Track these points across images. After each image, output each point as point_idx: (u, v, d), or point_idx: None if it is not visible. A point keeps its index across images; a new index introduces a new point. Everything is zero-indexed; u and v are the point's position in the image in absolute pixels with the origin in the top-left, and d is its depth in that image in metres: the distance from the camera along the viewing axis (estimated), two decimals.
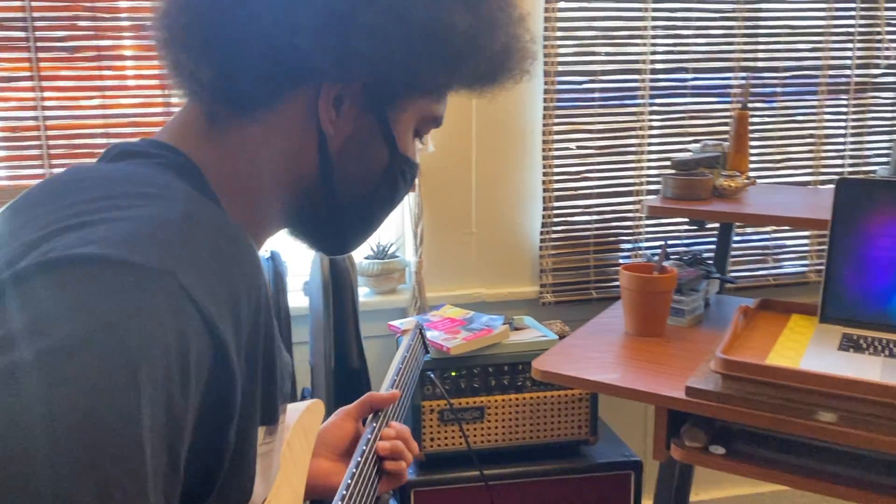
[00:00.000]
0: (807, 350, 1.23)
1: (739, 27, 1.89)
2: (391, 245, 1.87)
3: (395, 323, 1.69)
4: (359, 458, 0.83)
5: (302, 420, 0.80)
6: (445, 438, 1.58)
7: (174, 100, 1.67)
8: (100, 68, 1.62)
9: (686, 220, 1.93)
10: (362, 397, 0.94)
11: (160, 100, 1.67)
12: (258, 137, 0.61)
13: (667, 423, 1.27)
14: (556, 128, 1.83)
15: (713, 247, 1.87)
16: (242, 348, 0.48)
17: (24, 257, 0.44)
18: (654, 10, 1.83)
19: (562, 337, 1.62)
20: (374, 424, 0.89)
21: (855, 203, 1.32)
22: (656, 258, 1.50)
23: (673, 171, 1.64)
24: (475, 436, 1.59)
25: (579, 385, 1.28)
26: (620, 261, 1.94)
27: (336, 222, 0.67)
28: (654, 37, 1.85)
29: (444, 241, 1.86)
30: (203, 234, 0.48)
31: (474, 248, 1.88)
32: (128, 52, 1.65)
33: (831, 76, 1.97)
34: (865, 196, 1.32)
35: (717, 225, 1.84)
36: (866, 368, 1.14)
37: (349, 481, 0.79)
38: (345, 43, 0.57)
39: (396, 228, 1.89)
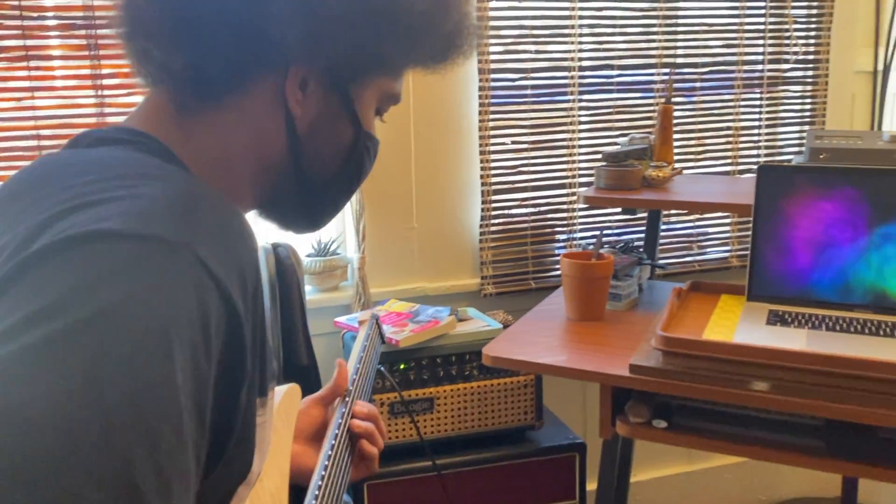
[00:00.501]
0: (738, 326, 1.32)
1: (660, 25, 1.99)
2: (333, 242, 1.88)
3: (342, 319, 1.71)
4: (332, 441, 0.85)
5: (283, 402, 0.82)
6: (397, 430, 1.61)
7: (107, 100, 1.64)
8: (28, 68, 1.58)
9: (617, 210, 2.02)
10: (328, 384, 0.96)
11: (91, 101, 1.64)
12: (228, 122, 0.63)
13: (611, 401, 1.33)
14: (491, 123, 1.89)
15: (642, 235, 1.95)
16: (249, 317, 0.50)
17: (36, 238, 0.45)
18: (581, 9, 1.90)
19: (506, 326, 1.67)
20: (343, 408, 0.92)
21: (775, 188, 1.42)
22: (592, 247, 1.57)
23: (604, 164, 1.71)
24: (426, 426, 1.63)
25: (529, 368, 1.33)
26: (557, 251, 2.01)
27: (307, 200, 0.70)
28: (580, 35, 1.93)
29: (386, 237, 1.89)
30: (209, 210, 0.50)
31: (416, 243, 1.92)
32: (55, 52, 1.61)
33: (745, 71, 2.09)
34: (785, 182, 1.41)
35: (645, 214, 1.93)
36: (793, 340, 1.23)
37: (326, 462, 0.81)
38: (312, 26, 0.60)
39: (338, 225, 1.90)
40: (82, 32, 1.60)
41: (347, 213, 1.87)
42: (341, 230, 1.91)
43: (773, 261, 1.43)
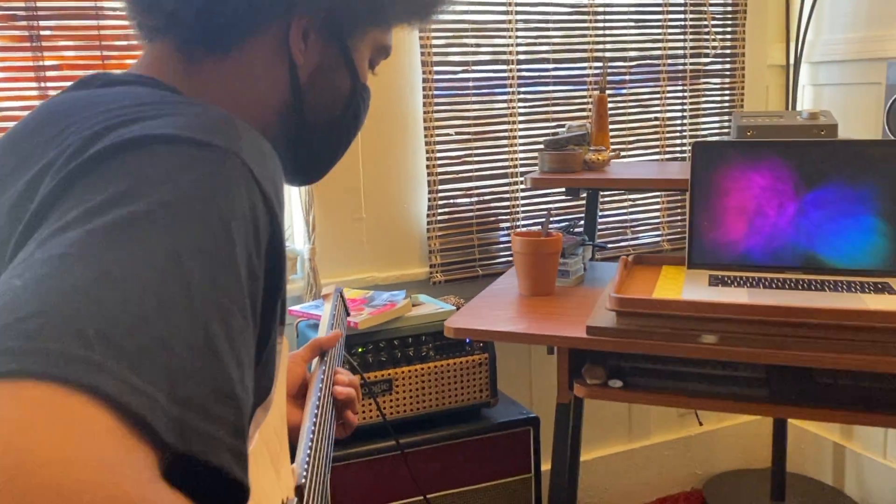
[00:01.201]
0: (683, 289, 1.40)
1: (590, 21, 2.09)
2: None
3: (296, 307, 1.72)
4: (317, 401, 0.88)
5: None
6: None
7: (50, 92, 1.62)
8: None
9: (557, 199, 2.11)
10: (308, 342, 0.99)
11: (34, 93, 1.61)
12: (234, 71, 0.66)
13: (568, 366, 1.40)
14: (436, 115, 1.94)
15: (581, 221, 2.04)
16: (282, 231, 0.53)
17: (90, 147, 0.47)
18: (517, 4, 1.99)
19: (458, 308, 1.72)
20: (323, 368, 0.94)
21: (709, 163, 1.52)
22: (540, 227, 1.64)
23: (547, 149, 1.79)
24: (385, 408, 1.65)
25: (492, 337, 1.38)
26: (501, 239, 2.07)
27: (308, 148, 0.73)
28: (517, 30, 2.01)
29: (336, 228, 1.91)
30: (245, 129, 0.53)
31: (365, 234, 1.95)
32: None
33: (669, 65, 2.21)
34: (718, 156, 1.52)
35: (583, 202, 2.02)
36: (735, 297, 1.33)
37: (314, 419, 0.84)
38: None
39: (287, 217, 1.92)
40: (24, 24, 1.58)
41: (296, 204, 1.89)
42: (290, 222, 1.92)
43: (710, 231, 1.53)
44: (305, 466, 0.76)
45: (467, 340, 1.72)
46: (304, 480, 0.73)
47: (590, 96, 2.12)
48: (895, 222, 1.41)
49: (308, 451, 0.78)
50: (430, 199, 1.97)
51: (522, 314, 1.49)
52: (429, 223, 1.98)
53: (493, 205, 2.05)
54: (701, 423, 2.44)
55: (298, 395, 0.96)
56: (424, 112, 1.93)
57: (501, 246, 2.07)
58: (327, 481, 0.86)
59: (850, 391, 1.25)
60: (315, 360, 0.98)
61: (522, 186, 2.07)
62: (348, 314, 1.26)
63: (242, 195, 0.48)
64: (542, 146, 1.86)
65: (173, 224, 0.42)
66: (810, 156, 1.45)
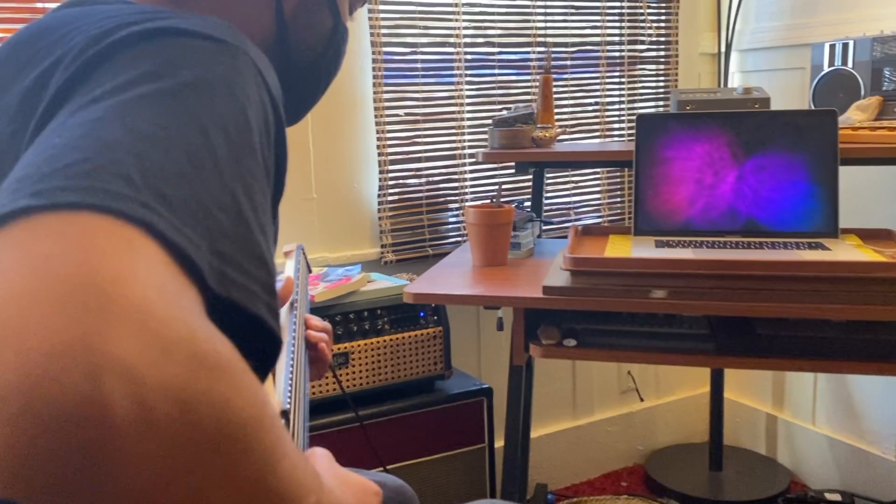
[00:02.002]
0: (631, 251, 1.47)
1: (534, 6, 2.15)
2: None
3: None
4: (292, 340, 0.90)
5: None
6: (313, 386, 1.64)
7: None
8: None
9: (504, 178, 2.16)
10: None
11: None
12: (221, 4, 0.67)
13: (523, 328, 1.44)
14: (385, 96, 1.97)
15: (529, 200, 2.10)
16: (285, 133, 0.56)
17: (107, 38, 0.48)
18: None
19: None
20: (294, 313, 0.96)
21: (652, 134, 1.59)
22: (493, 200, 1.68)
23: (496, 127, 1.84)
24: (342, 380, 1.67)
25: (451, 301, 1.41)
26: (450, 220, 2.11)
27: (289, 88, 0.75)
28: (463, 14, 2.05)
29: (286, 208, 1.91)
30: (245, 36, 0.55)
31: (316, 214, 1.96)
32: None
33: (608, 51, 2.30)
34: (660, 128, 1.59)
35: (530, 184, 2.08)
36: (681, 255, 1.39)
37: (290, 358, 0.86)
38: None
39: None
40: None
41: None
42: None
43: (654, 199, 1.60)
44: (288, 395, 0.77)
45: (421, 314, 1.75)
46: (288, 406, 0.75)
47: (534, 81, 2.18)
48: (826, 186, 1.51)
49: (289, 384, 0.80)
50: (380, 180, 2.00)
51: (478, 281, 1.52)
52: (380, 203, 2.01)
53: (441, 185, 2.09)
54: (642, 399, 2.53)
55: None
56: (374, 93, 1.95)
57: (451, 226, 2.11)
58: (307, 417, 0.88)
59: (789, 341, 1.33)
60: (283, 309, 1.00)
61: (471, 168, 2.12)
62: (310, 271, 1.27)
63: (254, 89, 0.50)
64: (489, 126, 1.90)
65: (198, 102, 0.44)
66: (747, 126, 1.54)
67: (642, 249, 1.46)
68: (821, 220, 1.50)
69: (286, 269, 1.15)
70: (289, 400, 0.77)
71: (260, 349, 0.46)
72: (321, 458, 0.61)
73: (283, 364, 0.85)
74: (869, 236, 1.54)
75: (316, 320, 0.99)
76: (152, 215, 0.37)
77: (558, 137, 1.87)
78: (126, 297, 0.32)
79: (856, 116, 1.78)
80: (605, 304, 1.32)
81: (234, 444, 0.36)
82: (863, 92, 1.83)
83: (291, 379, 0.81)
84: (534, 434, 2.35)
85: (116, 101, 0.42)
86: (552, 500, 2.29)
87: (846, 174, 2.02)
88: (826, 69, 1.89)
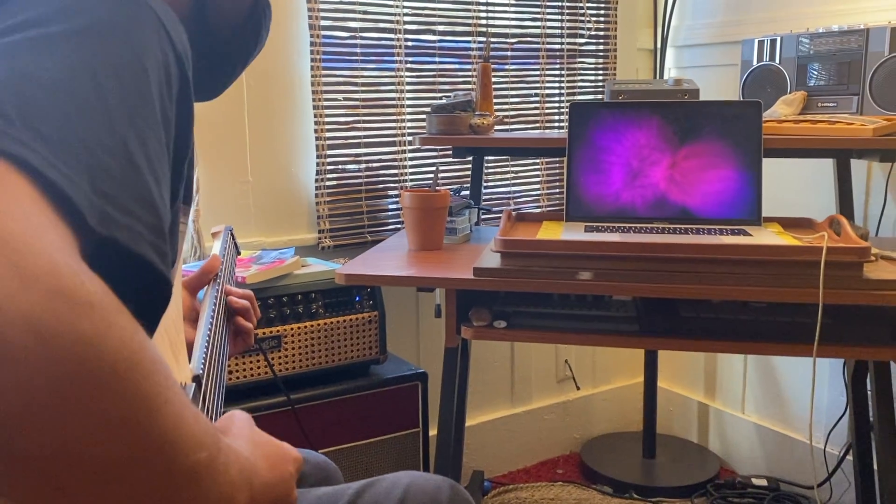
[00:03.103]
0: (561, 235, 1.49)
1: None
2: None
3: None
4: (211, 312, 0.89)
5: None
6: (246, 369, 1.62)
7: None
8: None
9: (443, 165, 2.17)
10: (199, 269, 0.99)
11: None
12: None
13: (455, 310, 1.45)
14: (324, 80, 1.96)
15: (467, 187, 2.11)
16: (191, 91, 0.55)
17: None
18: None
19: None
20: (216, 286, 0.95)
21: (585, 122, 1.62)
22: (428, 187, 1.69)
23: (434, 113, 1.84)
24: (274, 364, 1.65)
25: (382, 282, 1.42)
26: (389, 206, 2.11)
27: (207, 58, 0.74)
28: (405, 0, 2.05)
29: (221, 191, 1.89)
30: None
31: (251, 197, 1.94)
32: None
33: (548, 44, 2.32)
34: (593, 116, 1.62)
35: (469, 169, 2.09)
36: (609, 238, 1.42)
37: (208, 331, 0.85)
38: None
39: None
40: None
41: None
42: None
43: (586, 186, 1.62)
44: (202, 363, 0.77)
45: (357, 298, 1.75)
46: (201, 371, 0.74)
47: (474, 71, 2.19)
48: (750, 175, 1.56)
49: (204, 352, 0.79)
50: (318, 165, 1.98)
51: (412, 264, 1.53)
52: (317, 188, 1.99)
53: (381, 172, 2.09)
54: (578, 388, 2.57)
55: (187, 319, 0.96)
56: (312, 76, 1.94)
57: (390, 213, 2.11)
58: (223, 384, 0.87)
59: (711, 323, 1.37)
60: (206, 287, 0.99)
61: (411, 155, 2.12)
62: (239, 253, 1.26)
63: (154, 40, 0.49)
64: (428, 112, 1.91)
65: (91, 47, 0.44)
66: (676, 115, 1.58)
67: (572, 234, 1.48)
68: (745, 207, 1.55)
69: (213, 249, 1.14)
70: (202, 366, 0.76)
71: (149, 294, 0.45)
72: (239, 420, 0.61)
73: (200, 334, 0.84)
74: (790, 225, 1.59)
75: (237, 290, 0.98)
76: (25, 150, 0.36)
77: (496, 126, 1.89)
78: None
79: (781, 110, 1.84)
80: (534, 285, 1.34)
81: (100, 384, 0.35)
82: (789, 87, 1.89)
83: (207, 348, 0.81)
84: (471, 421, 2.37)
85: (5, 42, 0.41)
86: (488, 488, 2.31)
87: (771, 168, 2.09)
88: (755, 64, 1.94)
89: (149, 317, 0.46)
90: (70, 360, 0.34)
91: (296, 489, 0.59)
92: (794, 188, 2.15)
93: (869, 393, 1.78)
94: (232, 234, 1.22)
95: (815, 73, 1.84)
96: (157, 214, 0.45)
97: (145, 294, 0.44)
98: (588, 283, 1.32)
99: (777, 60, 1.91)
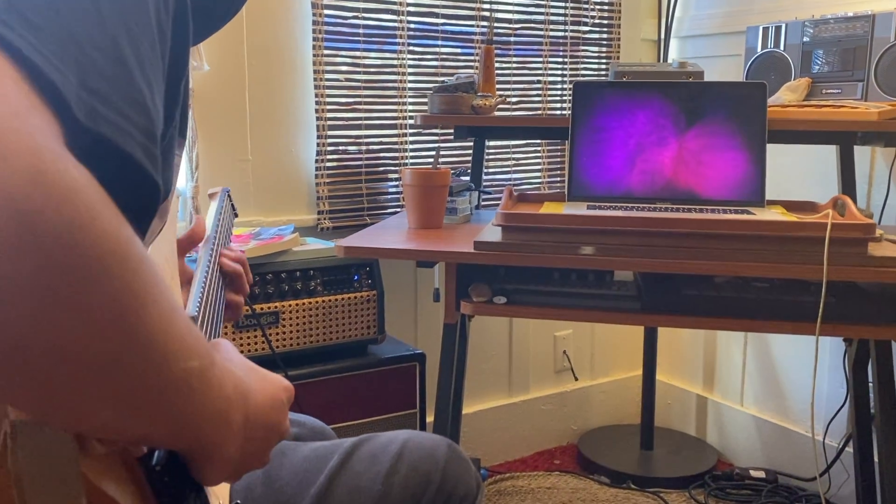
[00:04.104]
0: (563, 211, 1.48)
1: None
2: None
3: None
4: (205, 274, 0.87)
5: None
6: (242, 344, 1.61)
7: None
8: None
9: (444, 148, 2.15)
10: (186, 232, 0.97)
11: None
12: None
13: (455, 286, 1.44)
14: (325, 59, 1.95)
15: (469, 171, 2.10)
16: (188, 11, 0.54)
17: None
18: None
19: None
20: (210, 250, 0.94)
21: (589, 102, 1.61)
22: (431, 164, 1.68)
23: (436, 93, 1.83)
24: (272, 340, 1.64)
25: (383, 254, 1.40)
26: (390, 189, 2.10)
27: None
28: None
29: (220, 168, 1.88)
30: None
31: (251, 176, 1.92)
32: None
33: (552, 31, 2.31)
34: (597, 96, 1.61)
35: (471, 152, 2.08)
36: (612, 213, 1.41)
37: (202, 287, 0.84)
38: None
39: None
40: None
41: None
42: None
43: (588, 166, 1.61)
44: (197, 307, 0.76)
45: (355, 277, 1.74)
46: (196, 314, 0.73)
47: (476, 56, 2.18)
48: (754, 156, 1.55)
49: (199, 299, 0.78)
50: (318, 145, 1.97)
51: (412, 240, 1.52)
52: (317, 169, 1.98)
53: (381, 155, 2.08)
54: (576, 378, 2.55)
55: (181, 283, 0.95)
56: (314, 55, 1.93)
57: (390, 196, 2.10)
58: (218, 335, 0.85)
59: (713, 301, 1.36)
60: (200, 245, 0.97)
61: (412, 139, 2.11)
62: (236, 215, 1.25)
63: None
64: (433, 90, 1.90)
65: None
66: (680, 96, 1.57)
67: (573, 210, 1.47)
68: (748, 189, 1.54)
69: (210, 210, 1.13)
70: (197, 309, 0.75)
71: (138, 198, 0.44)
72: (227, 344, 0.59)
73: (195, 288, 0.83)
74: (794, 207, 1.58)
75: (231, 251, 0.97)
76: (10, 33, 0.35)
77: (498, 107, 1.88)
78: None
79: (786, 97, 1.83)
80: (535, 259, 1.33)
81: (87, 275, 0.34)
82: (793, 74, 1.88)
83: (202, 297, 0.79)
84: (469, 410, 2.35)
85: None
86: (485, 476, 2.29)
87: (774, 158, 2.08)
88: (759, 51, 1.94)
89: (140, 222, 0.45)
90: (55, 247, 0.33)
91: (288, 420, 0.58)
92: (797, 178, 2.14)
93: (871, 384, 1.77)
94: (229, 196, 1.21)
95: (820, 59, 1.83)
96: (149, 118, 0.43)
97: (133, 198, 0.43)
98: (590, 257, 1.31)
99: (782, 47, 1.90)
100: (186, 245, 0.96)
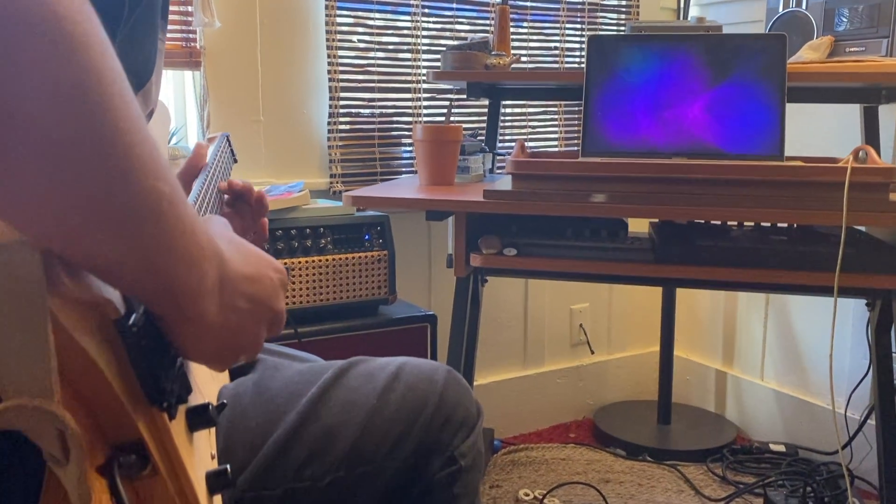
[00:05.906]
0: None
1: None
2: (173, 133, 1.84)
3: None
4: (202, 182, 0.85)
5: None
6: None
7: None
8: None
9: (457, 111, 2.13)
10: (185, 163, 0.95)
11: None
12: None
13: (465, 239, 1.42)
14: (339, 20, 1.93)
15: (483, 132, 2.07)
16: None
17: None
18: None
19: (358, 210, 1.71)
20: (206, 172, 0.91)
21: (604, 56, 1.58)
22: (442, 119, 1.65)
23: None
24: None
25: (392, 204, 1.38)
26: (403, 154, 2.08)
27: None
28: None
29: (231, 128, 1.86)
30: None
31: (262, 137, 1.91)
32: None
33: None
34: (612, 50, 1.57)
35: (485, 115, 2.05)
36: (626, 160, 1.38)
37: (198, 191, 0.82)
38: None
39: (178, 114, 1.86)
40: None
41: (190, 99, 1.83)
42: (182, 121, 1.86)
43: (603, 121, 1.58)
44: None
45: (366, 237, 1.72)
46: None
47: (491, 20, 2.15)
48: (773, 109, 1.50)
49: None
50: (331, 107, 1.96)
51: (423, 193, 1.50)
52: (330, 132, 1.96)
53: (394, 119, 2.05)
54: (593, 352, 2.52)
55: None
56: (327, 15, 1.91)
57: (403, 160, 2.08)
58: None
59: (727, 252, 1.32)
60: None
61: (425, 102, 2.08)
62: (235, 161, 1.23)
63: None
64: (446, 49, 1.87)
65: None
66: (698, 49, 1.53)
67: (587, 160, 1.44)
68: (767, 141, 1.50)
69: (207, 152, 1.11)
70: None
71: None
72: (216, 219, 0.57)
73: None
74: (813, 162, 1.54)
75: (235, 181, 0.95)
76: None
77: (512, 66, 1.85)
78: None
79: (807, 55, 1.78)
80: (547, 207, 1.30)
81: (53, 41, 0.33)
82: (816, 33, 1.83)
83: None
84: (483, 381, 2.33)
85: None
86: (498, 447, 2.27)
87: (795, 119, 2.03)
88: (781, 11, 1.89)
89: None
90: (17, 6, 0.31)
91: (283, 301, 0.56)
92: (819, 138, 2.09)
93: (894, 353, 1.72)
94: (228, 141, 1.19)
95: (845, 18, 1.78)
96: None
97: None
98: (603, 205, 1.28)
99: (804, 6, 1.85)
100: (187, 178, 0.94)
